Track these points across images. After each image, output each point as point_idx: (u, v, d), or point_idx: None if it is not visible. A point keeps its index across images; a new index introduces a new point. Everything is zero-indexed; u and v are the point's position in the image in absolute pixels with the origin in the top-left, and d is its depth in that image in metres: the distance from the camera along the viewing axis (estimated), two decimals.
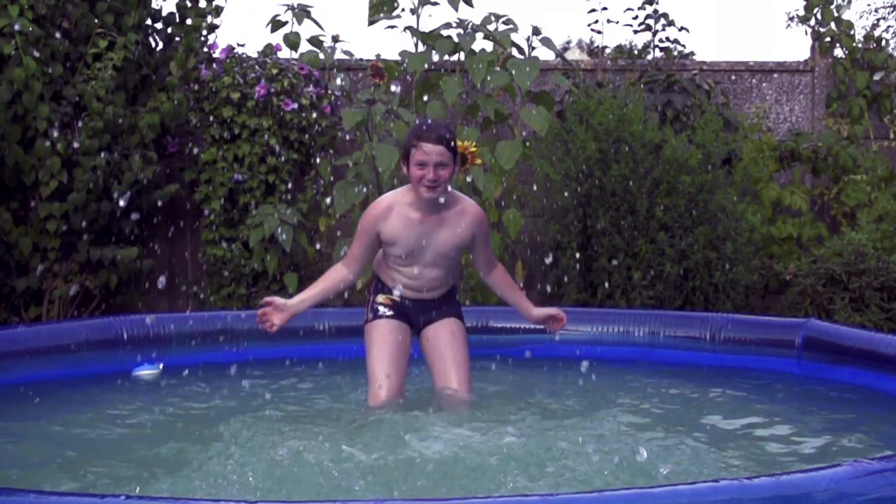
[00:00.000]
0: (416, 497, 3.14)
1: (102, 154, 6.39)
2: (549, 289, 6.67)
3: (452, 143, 4.05)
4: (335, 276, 4.23)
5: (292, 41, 7.08)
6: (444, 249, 4.15)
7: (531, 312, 4.40)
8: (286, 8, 7.08)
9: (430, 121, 4.32)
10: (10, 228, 6.40)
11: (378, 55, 7.08)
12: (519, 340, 5.70)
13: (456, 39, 6.77)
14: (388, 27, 6.90)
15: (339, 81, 6.99)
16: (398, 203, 4.13)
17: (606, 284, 6.44)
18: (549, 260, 6.16)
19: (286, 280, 6.71)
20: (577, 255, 6.46)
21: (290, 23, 7.09)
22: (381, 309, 4.23)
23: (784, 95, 7.79)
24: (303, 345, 5.56)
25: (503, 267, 4.43)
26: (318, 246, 6.96)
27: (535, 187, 6.68)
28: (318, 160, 6.96)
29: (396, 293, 4.23)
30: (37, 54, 6.25)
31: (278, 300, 4.15)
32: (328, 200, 6.67)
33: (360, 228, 4.19)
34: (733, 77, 7.79)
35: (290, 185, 6.95)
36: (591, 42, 24.91)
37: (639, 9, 7.73)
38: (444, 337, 4.26)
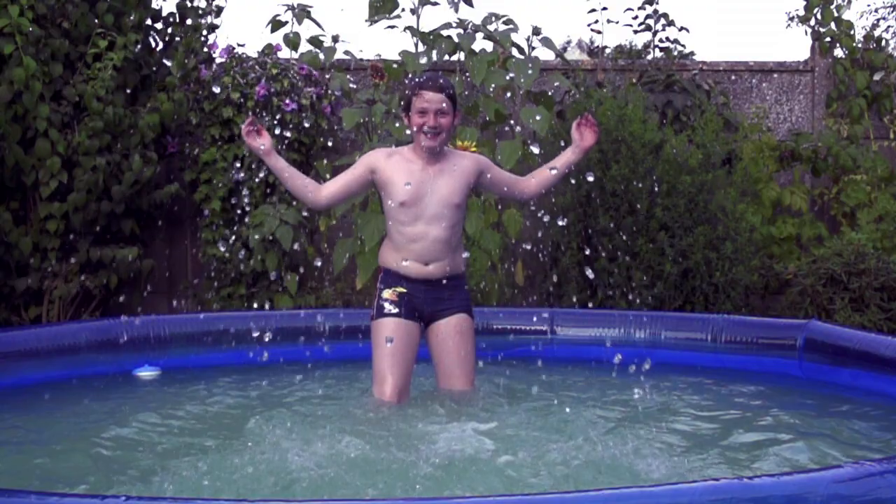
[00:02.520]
0: (416, 497, 3.14)
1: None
2: (550, 288, 6.68)
3: (453, 94, 4.18)
4: (309, 182, 4.23)
5: (292, 41, 7.07)
6: (448, 196, 4.16)
7: (568, 154, 4.31)
8: (286, 8, 7.07)
9: (430, 72, 4.40)
10: (10, 228, 6.40)
11: (378, 55, 7.08)
12: (521, 341, 5.71)
13: (456, 39, 6.77)
14: (388, 27, 6.90)
15: (337, 82, 6.98)
16: (399, 152, 4.25)
17: (608, 283, 6.44)
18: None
19: (286, 280, 6.71)
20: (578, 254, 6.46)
21: (290, 23, 7.09)
22: (388, 306, 4.20)
23: (784, 95, 7.80)
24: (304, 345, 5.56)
25: (527, 177, 4.40)
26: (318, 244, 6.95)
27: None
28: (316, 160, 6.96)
29: (402, 275, 4.19)
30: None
31: (269, 138, 4.16)
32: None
33: (357, 162, 4.29)
34: (733, 77, 7.79)
35: None
36: (591, 42, 24.87)
37: (639, 9, 7.73)
38: (452, 336, 4.24)
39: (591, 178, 6.03)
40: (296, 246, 6.54)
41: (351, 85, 7.07)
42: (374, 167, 4.19)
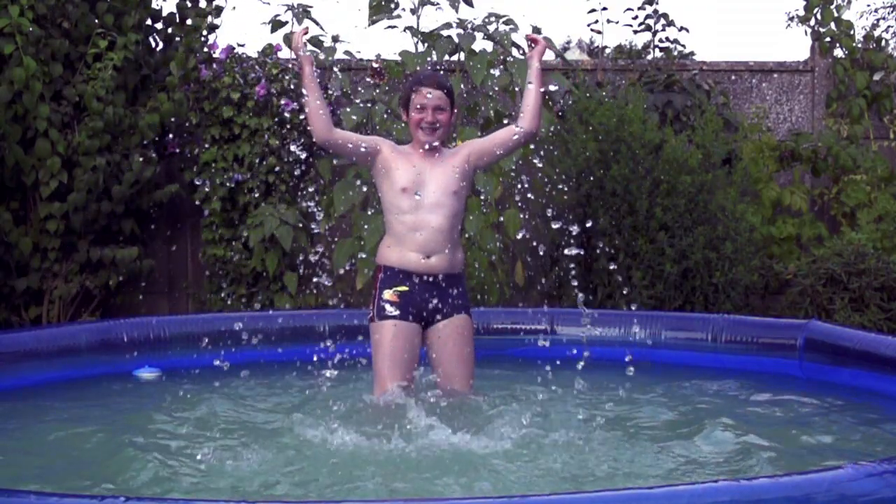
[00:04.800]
0: (416, 497, 3.14)
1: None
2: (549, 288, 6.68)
3: (450, 90, 4.25)
4: (327, 113, 4.21)
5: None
6: (446, 184, 4.21)
7: (532, 67, 4.29)
8: (286, 8, 7.07)
9: (428, 69, 4.42)
10: (10, 228, 6.40)
11: (378, 55, 7.08)
12: (521, 341, 5.71)
13: (456, 39, 6.77)
14: (388, 27, 6.90)
15: (337, 82, 6.97)
16: (401, 148, 4.34)
17: (607, 284, 6.44)
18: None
19: (286, 280, 6.71)
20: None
21: (290, 23, 7.09)
22: (388, 308, 4.17)
23: (784, 95, 7.80)
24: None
25: (514, 123, 4.39)
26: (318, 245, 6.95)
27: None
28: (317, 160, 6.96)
29: (403, 270, 4.19)
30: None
31: (310, 57, 4.21)
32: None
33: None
34: (733, 77, 7.79)
35: (290, 185, 6.96)
36: (591, 42, 24.90)
37: (639, 9, 7.73)
38: (452, 337, 4.23)
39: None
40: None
41: (354, 84, 7.08)
42: (381, 148, 4.27)
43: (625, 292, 6.35)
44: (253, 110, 6.86)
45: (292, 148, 6.87)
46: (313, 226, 6.69)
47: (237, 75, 6.88)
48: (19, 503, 2.53)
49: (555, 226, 5.84)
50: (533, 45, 4.36)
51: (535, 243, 6.67)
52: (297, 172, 7.02)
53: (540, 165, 6.64)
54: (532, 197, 6.52)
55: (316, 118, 4.18)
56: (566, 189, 6.56)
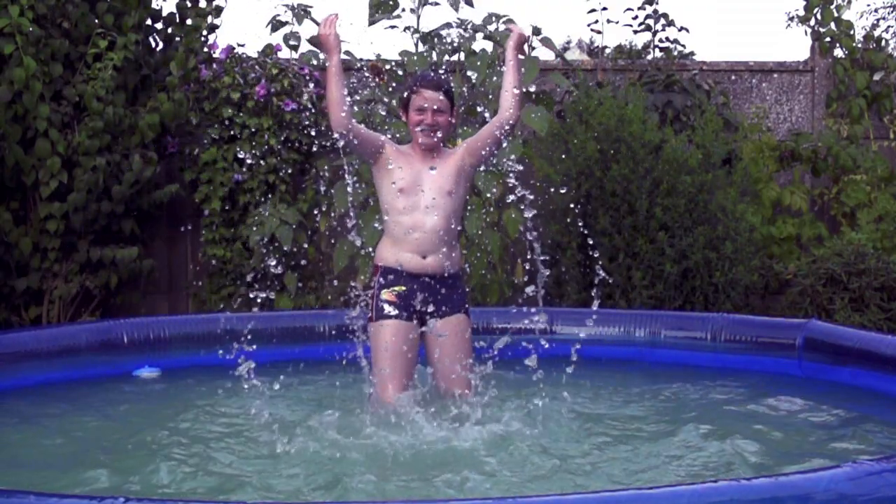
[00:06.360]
0: (416, 497, 3.15)
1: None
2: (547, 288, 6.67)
3: (450, 92, 4.26)
4: (347, 103, 4.15)
5: (292, 42, 7.07)
6: (442, 185, 4.22)
7: (509, 59, 4.29)
8: (286, 8, 7.07)
9: (428, 70, 4.40)
10: (10, 228, 6.40)
11: (378, 55, 7.08)
12: (520, 340, 5.70)
13: (456, 39, 6.76)
14: (389, 27, 6.90)
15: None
16: (401, 148, 4.34)
17: (610, 283, 6.44)
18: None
19: (286, 280, 6.71)
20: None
21: (291, 23, 7.09)
22: (387, 308, 4.17)
23: (784, 95, 7.80)
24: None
25: (497, 115, 4.34)
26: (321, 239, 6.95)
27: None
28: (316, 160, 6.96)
29: (400, 270, 4.18)
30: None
31: (339, 44, 4.19)
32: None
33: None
34: (733, 77, 7.80)
35: (290, 185, 6.96)
36: (591, 42, 24.90)
37: (639, 9, 7.73)
38: (450, 336, 4.24)
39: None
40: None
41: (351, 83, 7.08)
42: (385, 146, 4.28)
43: (601, 281, 6.32)
44: (253, 110, 6.86)
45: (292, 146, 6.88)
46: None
47: (237, 75, 6.88)
48: (19, 503, 2.53)
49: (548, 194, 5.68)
50: (512, 35, 4.33)
51: (537, 234, 6.64)
52: (296, 172, 7.03)
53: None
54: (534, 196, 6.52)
55: (338, 106, 4.14)
56: (566, 189, 6.56)
